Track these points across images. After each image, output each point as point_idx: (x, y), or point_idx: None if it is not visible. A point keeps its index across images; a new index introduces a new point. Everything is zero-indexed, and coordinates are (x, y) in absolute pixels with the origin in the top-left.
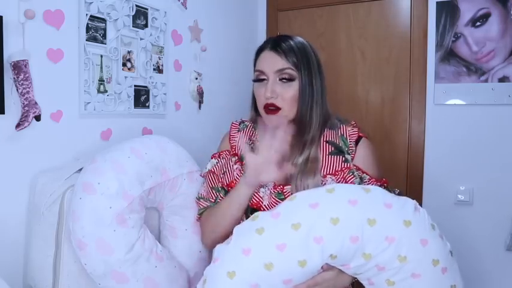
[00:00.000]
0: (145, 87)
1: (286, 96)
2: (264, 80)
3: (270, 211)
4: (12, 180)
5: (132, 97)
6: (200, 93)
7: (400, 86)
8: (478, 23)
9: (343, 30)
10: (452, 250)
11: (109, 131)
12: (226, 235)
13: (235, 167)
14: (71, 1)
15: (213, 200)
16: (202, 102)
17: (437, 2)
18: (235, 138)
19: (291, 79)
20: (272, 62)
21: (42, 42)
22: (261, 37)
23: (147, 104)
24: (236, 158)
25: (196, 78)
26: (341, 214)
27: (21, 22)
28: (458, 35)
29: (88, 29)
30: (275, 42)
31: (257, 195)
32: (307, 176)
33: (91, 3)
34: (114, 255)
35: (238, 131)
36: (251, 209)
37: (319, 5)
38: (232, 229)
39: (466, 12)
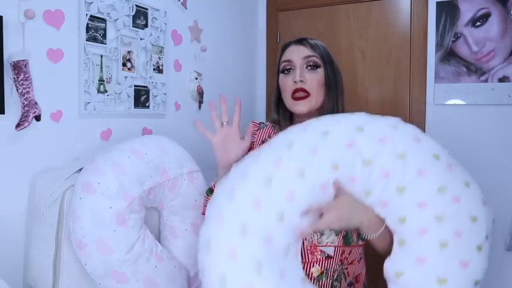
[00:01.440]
0: (145, 87)
1: (313, 81)
2: (290, 69)
3: (299, 125)
4: (12, 180)
5: (132, 97)
6: (200, 93)
7: (400, 86)
8: (478, 23)
9: (343, 30)
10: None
11: (109, 131)
12: None
13: None
14: (71, 1)
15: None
16: (202, 102)
17: (437, 2)
18: (254, 135)
19: (317, 66)
20: (299, 51)
21: (42, 42)
22: (261, 37)
23: (147, 104)
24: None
25: (196, 78)
26: (331, 128)
27: (21, 22)
28: (458, 35)
29: (88, 29)
30: (300, 39)
31: None
32: None
33: (91, 3)
34: (114, 255)
35: (258, 129)
36: None
37: (319, 5)
38: None
39: (466, 12)
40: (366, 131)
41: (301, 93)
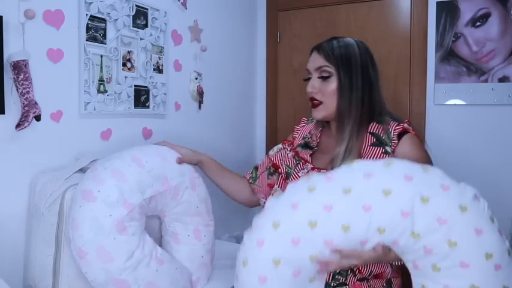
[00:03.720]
0: (145, 87)
1: (325, 91)
2: (309, 78)
3: (325, 174)
4: (12, 180)
5: (132, 97)
6: (200, 93)
7: (400, 86)
8: (478, 23)
9: (343, 30)
10: (511, 250)
11: (109, 131)
12: (233, 193)
13: (289, 154)
14: (71, 1)
15: (252, 175)
16: (202, 102)
17: (437, 2)
18: (299, 131)
19: (328, 76)
20: (313, 61)
21: (42, 42)
22: (261, 37)
23: (147, 104)
24: (292, 146)
25: (196, 78)
26: (394, 187)
27: (21, 22)
28: (458, 35)
29: (88, 29)
30: (320, 44)
31: (297, 175)
32: (339, 157)
33: (91, 3)
34: (115, 264)
35: (303, 126)
36: None
37: (319, 5)
38: (231, 190)
39: (466, 12)
40: (429, 205)
41: (315, 102)
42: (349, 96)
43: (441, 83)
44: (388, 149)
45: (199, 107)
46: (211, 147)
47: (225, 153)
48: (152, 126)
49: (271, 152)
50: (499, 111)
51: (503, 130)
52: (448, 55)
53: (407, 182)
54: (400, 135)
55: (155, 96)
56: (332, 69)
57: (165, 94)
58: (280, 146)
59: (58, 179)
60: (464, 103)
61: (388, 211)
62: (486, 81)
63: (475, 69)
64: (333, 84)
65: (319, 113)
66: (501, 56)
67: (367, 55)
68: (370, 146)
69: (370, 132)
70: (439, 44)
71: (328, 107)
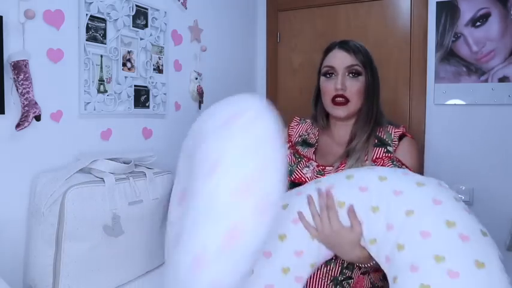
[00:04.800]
0: (145, 87)
1: (354, 89)
2: (332, 74)
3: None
4: (13, 181)
5: (132, 97)
6: (200, 93)
7: (400, 86)
8: (478, 23)
9: (343, 30)
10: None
11: (109, 131)
12: None
13: (288, 151)
14: (71, 1)
15: None
16: (202, 102)
17: (437, 2)
18: (293, 129)
19: (358, 73)
20: (342, 58)
21: (42, 42)
22: (261, 37)
23: (147, 104)
24: (290, 144)
25: (196, 78)
26: (382, 204)
27: (21, 22)
28: (458, 35)
29: (88, 29)
30: (344, 43)
31: (300, 172)
32: (354, 155)
33: (91, 3)
34: None
35: (297, 124)
36: (293, 184)
37: (319, 5)
38: None
39: (466, 12)
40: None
41: (341, 99)
42: (373, 97)
43: (441, 83)
44: (390, 149)
45: (199, 107)
46: None
47: None
48: (152, 126)
49: None
50: (499, 111)
51: (503, 130)
52: (448, 55)
53: (395, 196)
54: (400, 138)
55: (155, 96)
56: (361, 69)
57: (165, 94)
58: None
59: (59, 179)
60: (464, 103)
61: (376, 224)
62: (486, 81)
63: (475, 69)
64: (361, 84)
65: (343, 111)
66: (501, 56)
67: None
68: (373, 147)
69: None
70: (439, 44)
71: (354, 106)
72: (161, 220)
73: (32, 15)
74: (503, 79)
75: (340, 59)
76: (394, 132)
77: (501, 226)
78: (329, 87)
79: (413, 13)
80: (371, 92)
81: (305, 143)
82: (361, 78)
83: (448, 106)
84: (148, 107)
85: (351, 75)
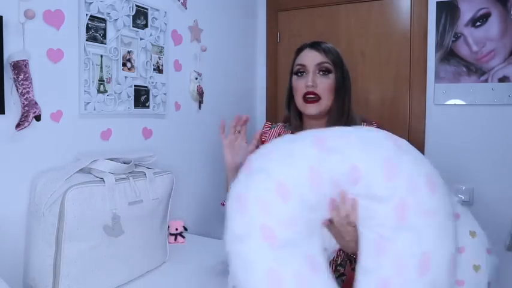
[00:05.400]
0: (145, 87)
1: (325, 86)
2: (303, 72)
3: None
4: (13, 180)
5: (132, 97)
6: (200, 93)
7: (400, 86)
8: (478, 23)
9: (343, 30)
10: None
11: (109, 131)
12: None
13: None
14: (71, 1)
15: None
16: (202, 102)
17: (437, 2)
18: (267, 134)
19: (328, 71)
20: (312, 57)
21: (42, 42)
22: (261, 37)
23: (147, 104)
24: None
25: (196, 78)
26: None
27: (21, 22)
28: (458, 35)
29: (88, 29)
30: (315, 43)
31: None
32: None
33: (91, 3)
34: None
35: (270, 129)
36: None
37: (319, 5)
38: None
39: (466, 12)
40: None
41: (312, 97)
42: (343, 94)
43: (441, 83)
44: None
45: (199, 107)
46: (211, 147)
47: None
48: (152, 126)
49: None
50: (499, 111)
51: (503, 130)
52: (448, 55)
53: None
54: None
55: (155, 96)
56: (331, 67)
57: (165, 94)
58: None
59: (59, 179)
60: (464, 103)
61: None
62: (486, 81)
63: (475, 69)
64: (331, 81)
65: (315, 109)
66: (501, 56)
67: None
68: None
69: None
70: (439, 44)
71: (325, 103)
72: (161, 220)
73: (32, 15)
74: (503, 79)
75: (310, 57)
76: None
77: (501, 226)
78: (300, 85)
79: (413, 13)
80: (341, 89)
81: None
82: (332, 76)
83: (448, 106)
84: (148, 107)
85: (321, 72)
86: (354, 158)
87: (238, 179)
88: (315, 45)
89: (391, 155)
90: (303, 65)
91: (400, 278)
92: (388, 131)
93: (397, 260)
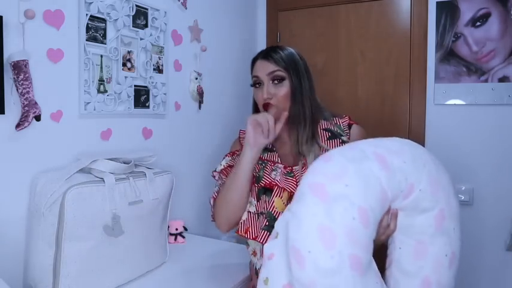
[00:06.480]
0: (145, 87)
1: (280, 94)
2: (260, 84)
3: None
4: (12, 180)
5: (132, 97)
6: (200, 93)
7: (400, 86)
8: (478, 23)
9: (343, 30)
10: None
11: (109, 131)
12: (237, 210)
13: None
14: (71, 1)
15: None
16: (202, 102)
17: (437, 2)
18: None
19: (281, 79)
20: (263, 67)
21: (42, 42)
22: (261, 37)
23: (147, 104)
24: None
25: (196, 78)
26: None
27: (21, 22)
28: (458, 35)
29: (88, 29)
30: (265, 52)
31: (269, 177)
32: (309, 153)
33: (91, 3)
34: None
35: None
36: (264, 189)
37: (319, 5)
38: (242, 203)
39: (466, 12)
40: None
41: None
42: (301, 98)
43: (441, 83)
44: (344, 138)
45: (199, 107)
46: (211, 148)
47: (225, 153)
48: (152, 126)
49: (219, 167)
50: (499, 111)
51: (503, 130)
52: (448, 55)
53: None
54: (349, 127)
55: (155, 96)
56: (284, 74)
57: (165, 94)
58: (228, 158)
59: (59, 179)
60: (464, 103)
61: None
62: (486, 81)
63: (475, 69)
64: (286, 88)
65: (274, 113)
66: (501, 56)
67: (305, 62)
68: (328, 140)
69: (323, 129)
70: (439, 44)
71: (283, 110)
72: (161, 220)
73: (32, 15)
74: (503, 79)
75: (262, 68)
76: (342, 123)
77: (501, 226)
78: (259, 97)
79: (413, 13)
80: (298, 94)
81: (263, 149)
82: (286, 83)
83: (448, 106)
84: (148, 107)
85: (275, 81)
86: (411, 176)
87: (313, 205)
88: (266, 55)
89: (432, 169)
90: (257, 77)
91: (437, 274)
92: (359, 125)
93: (434, 261)
